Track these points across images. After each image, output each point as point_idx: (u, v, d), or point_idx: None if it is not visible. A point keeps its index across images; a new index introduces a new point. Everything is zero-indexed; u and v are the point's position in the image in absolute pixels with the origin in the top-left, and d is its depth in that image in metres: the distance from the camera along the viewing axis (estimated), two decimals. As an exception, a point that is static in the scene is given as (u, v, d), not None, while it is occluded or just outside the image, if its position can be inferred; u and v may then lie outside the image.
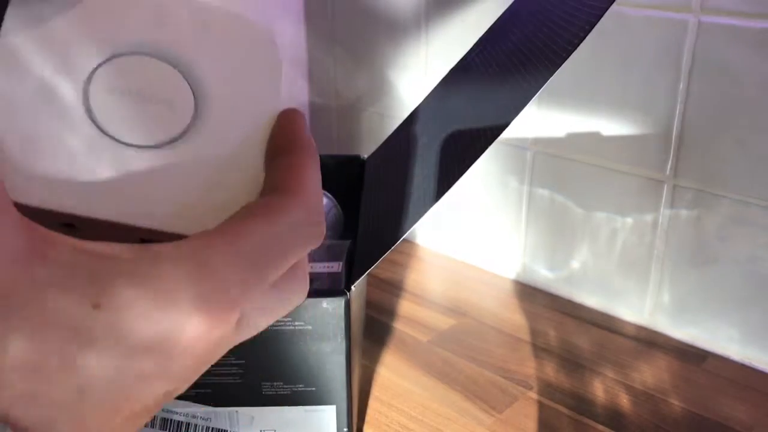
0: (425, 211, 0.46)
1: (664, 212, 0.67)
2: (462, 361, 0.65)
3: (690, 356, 0.66)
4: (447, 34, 0.79)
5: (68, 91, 0.20)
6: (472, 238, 0.83)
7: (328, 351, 0.49)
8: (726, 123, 0.61)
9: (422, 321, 0.72)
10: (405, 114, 0.67)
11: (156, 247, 0.18)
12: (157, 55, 0.21)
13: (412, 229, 0.47)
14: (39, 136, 0.19)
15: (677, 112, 0.64)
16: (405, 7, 0.82)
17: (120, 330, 0.17)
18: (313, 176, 0.22)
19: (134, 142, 0.20)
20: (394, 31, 0.84)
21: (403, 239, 0.48)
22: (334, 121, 0.95)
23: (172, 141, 0.20)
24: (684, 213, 0.65)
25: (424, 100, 0.63)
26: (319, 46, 0.94)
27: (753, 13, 0.58)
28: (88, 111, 0.20)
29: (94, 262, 0.17)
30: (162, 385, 0.18)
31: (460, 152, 0.48)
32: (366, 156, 0.71)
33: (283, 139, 0.22)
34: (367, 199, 0.61)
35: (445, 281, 0.81)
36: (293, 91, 0.96)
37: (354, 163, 0.71)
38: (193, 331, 0.18)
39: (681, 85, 0.63)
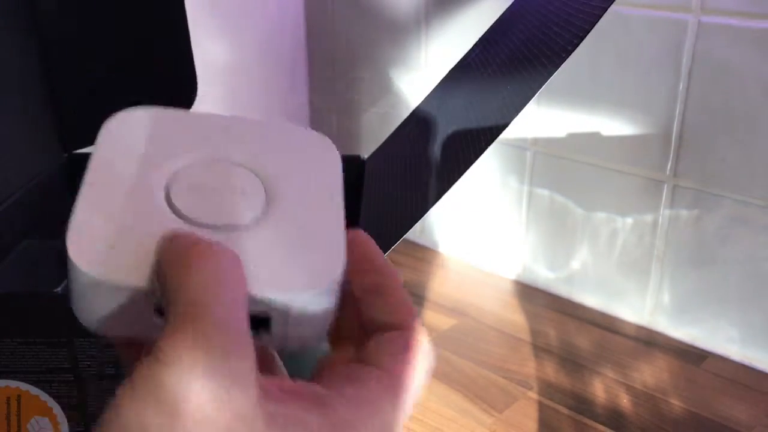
0: (425, 211, 0.46)
1: (664, 212, 0.67)
2: (462, 361, 0.65)
3: (690, 356, 0.66)
4: (447, 34, 0.79)
5: (154, 188, 0.24)
6: (472, 238, 0.83)
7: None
8: (726, 123, 0.61)
9: (422, 321, 0.72)
10: (405, 114, 0.67)
11: (347, 415, 0.22)
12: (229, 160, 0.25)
13: (412, 229, 0.47)
14: (125, 224, 0.22)
15: (677, 112, 0.64)
16: (405, 7, 0.82)
17: None
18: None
19: (209, 222, 0.23)
20: (394, 31, 0.84)
21: (404, 239, 0.48)
22: (334, 121, 0.95)
23: (246, 225, 0.23)
24: (684, 213, 0.65)
25: (424, 100, 0.63)
26: (319, 47, 0.94)
27: (753, 13, 0.58)
28: (168, 201, 0.23)
29: (313, 414, 0.21)
30: None
31: (460, 152, 0.48)
32: (366, 156, 0.71)
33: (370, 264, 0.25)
34: (367, 199, 0.61)
35: (446, 281, 0.81)
36: (293, 91, 0.96)
37: (354, 163, 0.70)
38: None
39: (681, 85, 0.63)
